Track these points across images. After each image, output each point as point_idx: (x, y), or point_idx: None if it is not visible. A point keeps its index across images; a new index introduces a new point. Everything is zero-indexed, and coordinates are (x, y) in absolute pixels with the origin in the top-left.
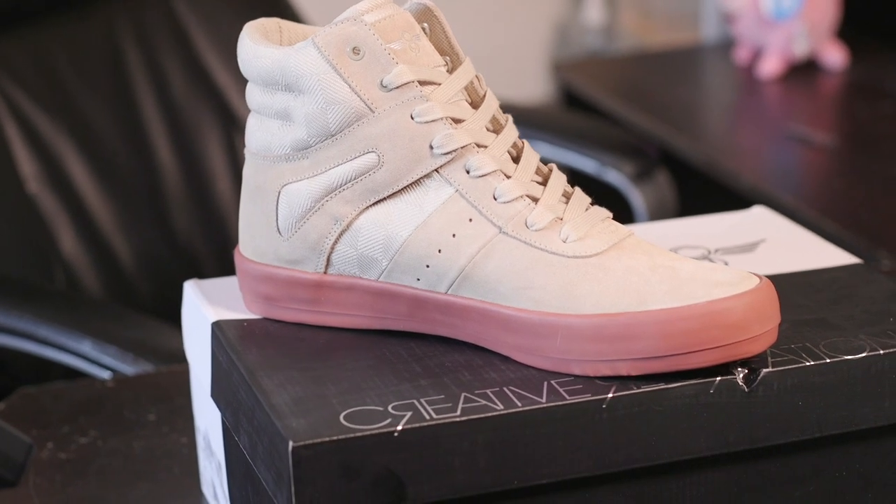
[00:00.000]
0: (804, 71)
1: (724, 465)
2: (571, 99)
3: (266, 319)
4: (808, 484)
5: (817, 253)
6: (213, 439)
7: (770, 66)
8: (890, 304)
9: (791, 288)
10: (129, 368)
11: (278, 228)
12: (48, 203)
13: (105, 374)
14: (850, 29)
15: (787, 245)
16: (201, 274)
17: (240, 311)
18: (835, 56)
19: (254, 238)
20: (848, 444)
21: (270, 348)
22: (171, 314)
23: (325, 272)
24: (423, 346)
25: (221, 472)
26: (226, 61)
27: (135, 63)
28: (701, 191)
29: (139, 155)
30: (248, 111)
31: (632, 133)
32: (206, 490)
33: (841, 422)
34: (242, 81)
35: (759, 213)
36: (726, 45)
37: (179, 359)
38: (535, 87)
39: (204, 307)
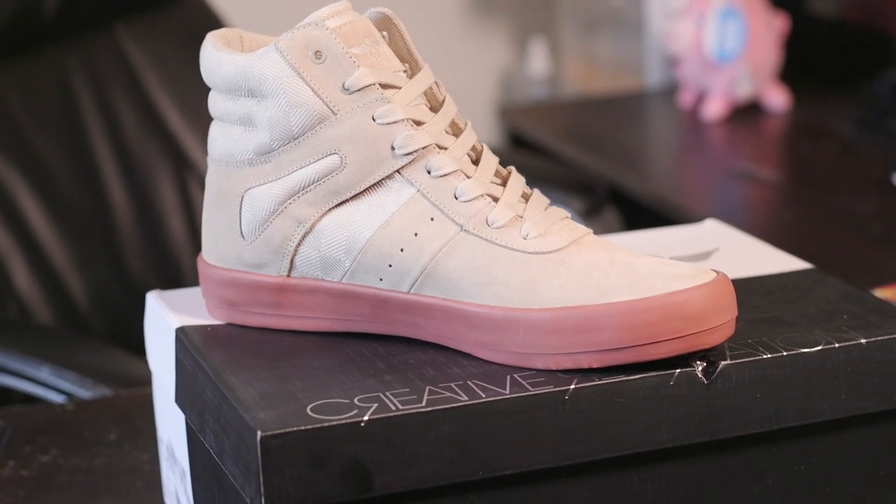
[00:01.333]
0: (748, 113)
1: (685, 458)
2: (519, 142)
3: (230, 325)
4: (768, 477)
5: (770, 259)
6: (177, 447)
7: (714, 108)
8: (843, 303)
9: (746, 291)
10: (87, 394)
11: (241, 233)
12: (1, 240)
13: (63, 400)
14: (792, 72)
15: (740, 253)
16: None
17: (203, 318)
18: (778, 98)
19: (217, 244)
20: (806, 437)
21: (235, 350)
22: (125, 350)
23: (288, 275)
24: (386, 346)
25: (186, 479)
26: (176, 102)
27: (87, 104)
28: (649, 227)
29: (92, 194)
30: (201, 152)
31: (580, 172)
32: (170, 501)
33: (798, 414)
34: (193, 122)
35: (711, 225)
36: (670, 90)
37: (138, 383)
38: (483, 132)
39: (167, 315)
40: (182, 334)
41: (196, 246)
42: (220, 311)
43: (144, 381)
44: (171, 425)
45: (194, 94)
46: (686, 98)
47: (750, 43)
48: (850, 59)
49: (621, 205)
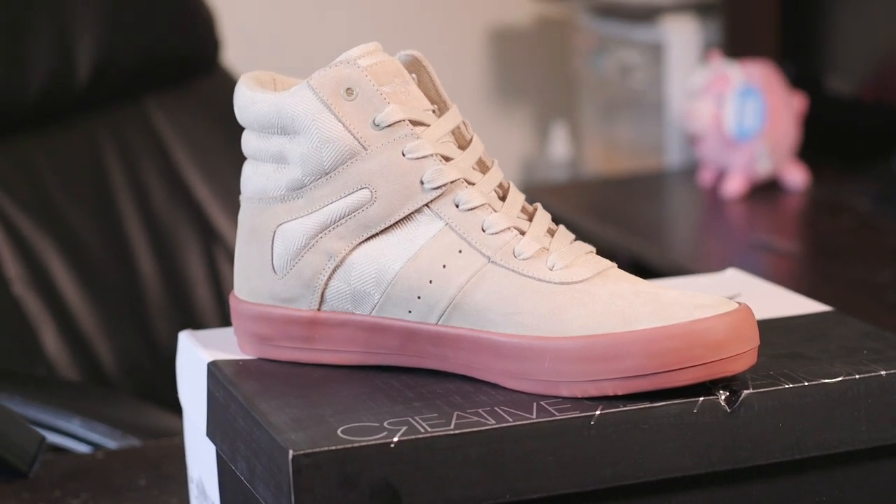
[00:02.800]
0: (767, 190)
1: (709, 487)
2: None
3: (261, 360)
4: None
5: (791, 303)
6: (208, 482)
7: (734, 186)
8: (863, 340)
9: (767, 330)
10: (116, 445)
11: (273, 267)
12: (32, 304)
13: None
14: (810, 151)
15: (761, 297)
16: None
17: (234, 354)
18: (796, 176)
19: (249, 279)
20: (828, 469)
21: (266, 380)
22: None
23: (318, 309)
24: (414, 377)
25: None
26: (204, 174)
27: (116, 173)
28: None
29: (121, 261)
30: (227, 223)
31: (600, 245)
32: None
33: (819, 444)
34: (220, 194)
35: (732, 273)
36: (690, 169)
37: (167, 435)
38: None
39: (199, 351)
40: (214, 368)
41: (222, 315)
42: (251, 346)
43: (173, 432)
44: (201, 461)
45: (222, 167)
46: (706, 176)
47: (769, 121)
48: (867, 137)
49: (643, 276)
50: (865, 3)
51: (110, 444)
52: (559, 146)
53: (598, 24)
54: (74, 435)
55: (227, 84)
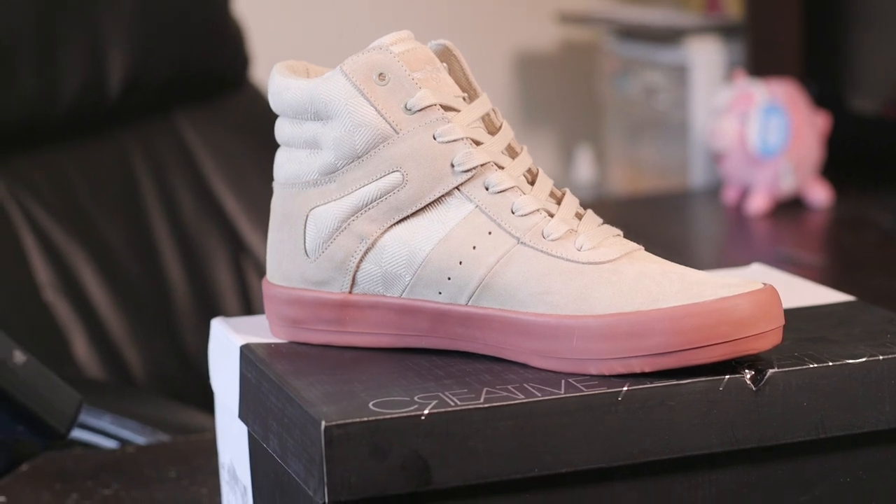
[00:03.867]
0: (791, 207)
1: (735, 465)
2: None
3: (292, 343)
4: (815, 489)
5: (815, 293)
6: (239, 465)
7: (758, 203)
8: (887, 325)
9: (792, 318)
10: (146, 441)
11: (305, 251)
12: (63, 311)
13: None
14: (833, 169)
15: (786, 288)
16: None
17: (266, 338)
18: (820, 194)
19: (281, 264)
20: (852, 450)
21: (298, 361)
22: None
23: (350, 292)
24: (444, 358)
25: (247, 495)
26: (232, 187)
27: (146, 184)
28: None
29: (150, 271)
30: (255, 234)
31: None
32: None
33: (844, 424)
34: (248, 206)
35: (757, 268)
36: (715, 188)
37: (196, 431)
38: None
39: (232, 335)
40: (247, 350)
41: None
42: (282, 330)
43: (202, 429)
44: (232, 445)
45: (251, 180)
46: (730, 194)
47: (792, 138)
48: (891, 155)
49: None
50: (887, 23)
51: (140, 440)
52: (585, 168)
53: (623, 46)
54: (104, 431)
55: (256, 100)
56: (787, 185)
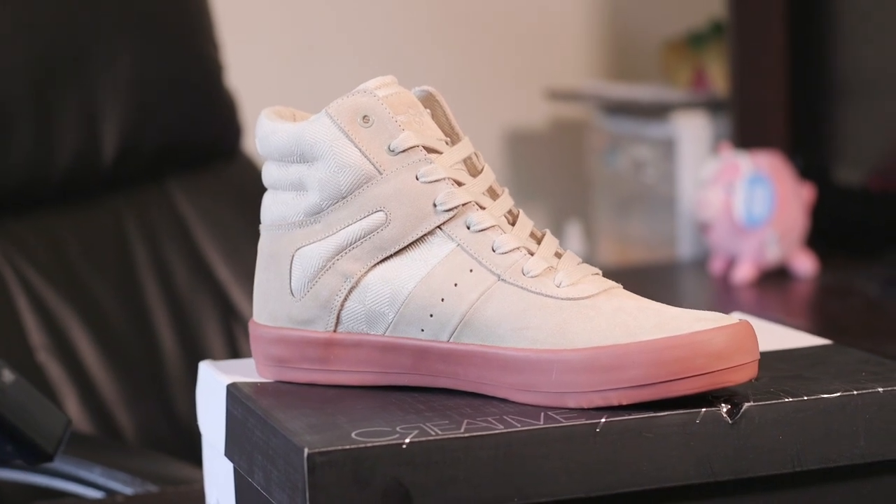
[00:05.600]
0: (776, 277)
1: (710, 498)
2: None
3: (278, 382)
4: None
5: (792, 337)
6: (225, 502)
7: (744, 272)
8: (862, 364)
9: (769, 359)
10: (135, 492)
11: (291, 290)
12: (55, 372)
13: None
14: (818, 240)
15: (764, 333)
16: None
17: (253, 377)
18: (805, 264)
19: (267, 303)
20: (828, 483)
21: (284, 397)
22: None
23: (334, 330)
24: (426, 394)
25: None
26: (224, 254)
27: (139, 250)
28: None
29: (142, 335)
30: (247, 302)
31: None
32: None
33: (819, 458)
34: (240, 274)
35: (737, 316)
36: (702, 260)
37: (185, 483)
38: None
39: (219, 376)
40: (233, 388)
41: None
42: (268, 369)
43: (191, 480)
44: (219, 483)
45: (243, 249)
46: (717, 264)
47: (778, 209)
48: (875, 227)
49: None
50: (872, 96)
51: (129, 491)
52: (574, 244)
53: (611, 122)
54: (95, 484)
55: (249, 169)
56: (772, 255)
